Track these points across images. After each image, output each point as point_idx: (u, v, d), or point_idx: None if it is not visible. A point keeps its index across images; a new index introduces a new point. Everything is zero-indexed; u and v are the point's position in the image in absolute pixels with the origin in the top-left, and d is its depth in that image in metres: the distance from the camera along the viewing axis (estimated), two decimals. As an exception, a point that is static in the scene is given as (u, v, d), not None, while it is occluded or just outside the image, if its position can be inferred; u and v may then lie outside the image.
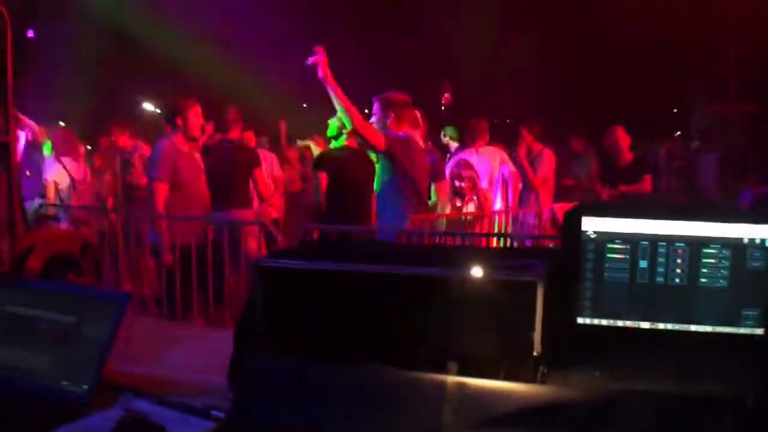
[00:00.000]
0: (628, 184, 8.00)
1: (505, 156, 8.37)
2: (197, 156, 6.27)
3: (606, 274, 1.69)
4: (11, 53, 3.13)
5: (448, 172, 7.40)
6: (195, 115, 6.01)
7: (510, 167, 8.23)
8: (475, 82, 18.66)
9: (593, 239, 1.70)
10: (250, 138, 8.73)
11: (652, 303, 1.68)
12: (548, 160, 8.73)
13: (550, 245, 5.68)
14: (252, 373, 1.73)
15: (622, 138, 8.23)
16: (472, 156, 7.95)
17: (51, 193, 7.84)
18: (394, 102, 5.77)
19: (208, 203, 6.30)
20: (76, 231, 6.24)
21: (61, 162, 8.02)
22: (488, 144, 8.38)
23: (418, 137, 6.51)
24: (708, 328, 1.67)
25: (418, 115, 6.84)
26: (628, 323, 1.69)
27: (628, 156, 8.27)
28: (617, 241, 1.69)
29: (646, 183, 8.06)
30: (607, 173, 8.59)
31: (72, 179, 7.95)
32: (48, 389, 1.85)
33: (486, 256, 1.91)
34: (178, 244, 5.73)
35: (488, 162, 8.08)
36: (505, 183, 8.16)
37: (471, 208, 6.94)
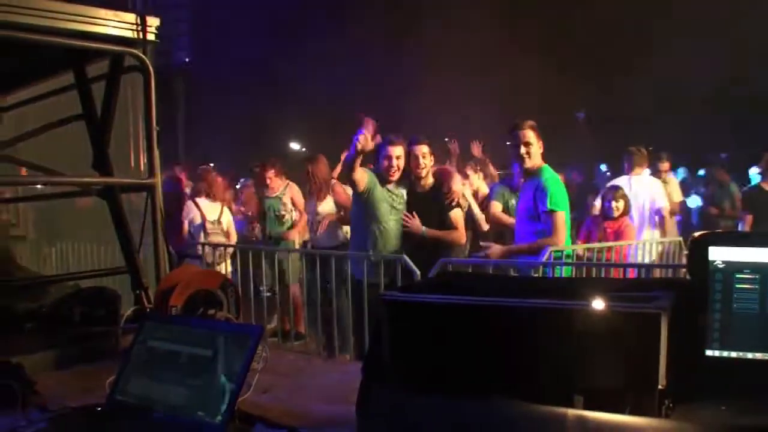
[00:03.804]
0: None
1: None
2: None
3: (735, 305, 1.64)
4: (154, 100, 3.32)
5: None
6: None
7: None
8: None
9: (721, 269, 1.66)
10: None
11: (783, 335, 1.61)
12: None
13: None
14: (376, 405, 1.77)
15: None
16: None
17: (183, 232, 8.27)
18: None
19: None
20: (216, 270, 6.47)
21: (195, 202, 8.41)
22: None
23: None
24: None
25: None
26: (758, 355, 1.63)
27: None
28: (746, 270, 1.64)
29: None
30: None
31: (203, 219, 8.30)
32: (185, 421, 1.94)
33: (612, 287, 1.88)
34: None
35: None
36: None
37: None
